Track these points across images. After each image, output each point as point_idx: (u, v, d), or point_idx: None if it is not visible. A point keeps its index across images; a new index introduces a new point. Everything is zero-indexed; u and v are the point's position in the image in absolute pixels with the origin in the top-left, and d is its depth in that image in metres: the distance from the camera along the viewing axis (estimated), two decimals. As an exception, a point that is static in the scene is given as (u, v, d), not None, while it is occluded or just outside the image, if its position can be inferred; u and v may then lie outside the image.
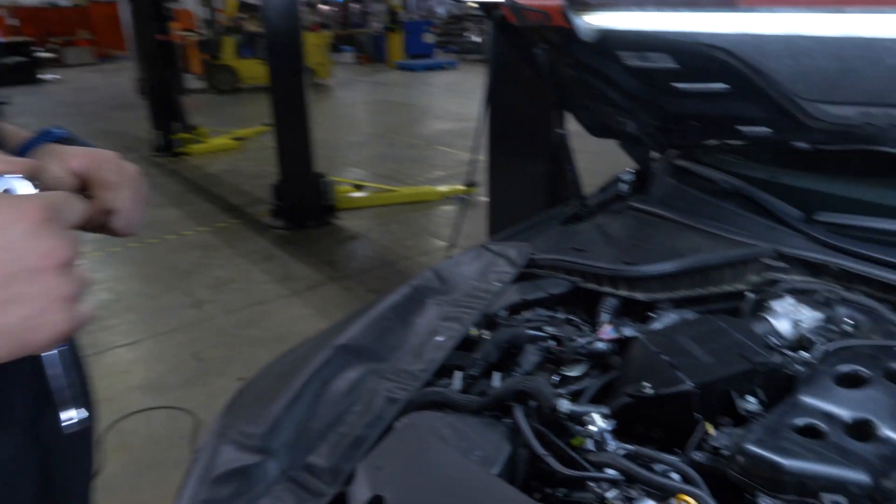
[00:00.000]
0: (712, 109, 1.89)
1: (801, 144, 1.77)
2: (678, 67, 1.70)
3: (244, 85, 14.82)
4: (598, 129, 2.25)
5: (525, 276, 1.76)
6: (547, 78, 2.00)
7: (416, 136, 9.80)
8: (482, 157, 3.95)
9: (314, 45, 13.57)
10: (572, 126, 2.39)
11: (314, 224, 5.77)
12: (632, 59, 1.77)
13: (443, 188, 6.56)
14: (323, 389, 1.40)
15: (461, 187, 6.51)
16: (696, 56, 1.62)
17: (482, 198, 6.53)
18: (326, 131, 6.53)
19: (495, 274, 1.77)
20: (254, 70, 14.64)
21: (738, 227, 1.81)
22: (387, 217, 6.10)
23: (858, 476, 0.95)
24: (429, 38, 20.27)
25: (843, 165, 1.78)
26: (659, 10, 1.49)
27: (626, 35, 1.67)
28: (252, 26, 16.17)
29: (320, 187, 5.77)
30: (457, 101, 13.06)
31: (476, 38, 19.83)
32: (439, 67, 18.59)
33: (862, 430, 1.06)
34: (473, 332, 1.54)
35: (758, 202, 1.85)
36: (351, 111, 12.56)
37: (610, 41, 1.67)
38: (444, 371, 1.45)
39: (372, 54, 20.28)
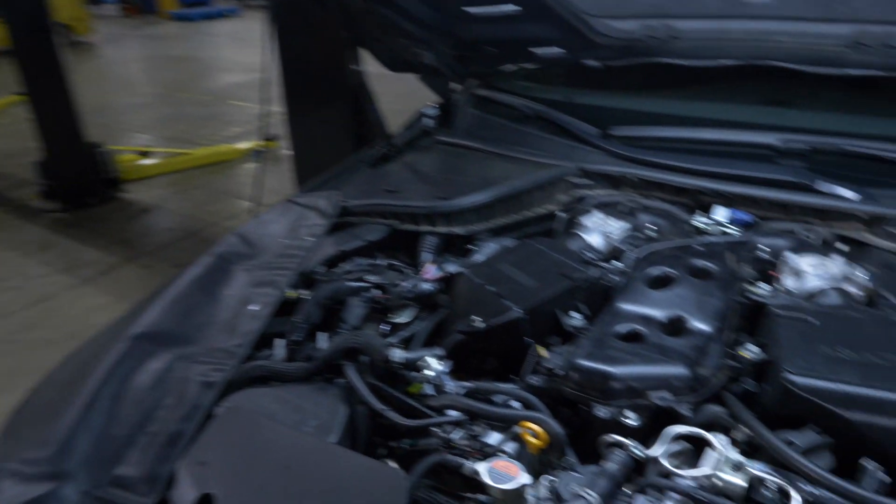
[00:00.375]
0: (505, 33, 1.87)
1: (592, 62, 1.82)
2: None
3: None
4: (395, 63, 2.15)
5: (339, 226, 1.66)
6: (336, 13, 1.86)
7: (205, 92, 9.06)
8: (278, 108, 3.71)
9: (67, -2, 11.90)
10: (371, 69, 2.28)
11: (96, 201, 5.14)
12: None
13: (242, 145, 6.15)
14: (122, 389, 1.21)
15: (261, 142, 6.16)
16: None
17: (285, 151, 6.24)
18: (97, 95, 5.76)
19: (306, 228, 1.64)
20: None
21: (542, 149, 1.84)
22: (184, 183, 5.61)
23: (678, 370, 1.00)
24: (203, -16, 18.67)
25: (631, 80, 1.86)
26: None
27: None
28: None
29: (97, 159, 5.13)
30: (244, 50, 12.21)
31: (255, -17, 18.62)
32: (219, 15, 17.25)
33: (675, 326, 1.12)
34: (291, 293, 1.42)
35: (557, 123, 1.89)
36: (124, 70, 11.29)
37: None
38: (265, 341, 1.32)
39: (140, 4, 18.28)
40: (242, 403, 1.13)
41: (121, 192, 5.35)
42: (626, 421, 0.95)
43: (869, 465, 0.86)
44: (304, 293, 1.42)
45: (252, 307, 1.39)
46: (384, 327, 1.34)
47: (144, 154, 5.88)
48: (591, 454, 0.97)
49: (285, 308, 1.39)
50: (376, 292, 1.39)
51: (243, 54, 11.87)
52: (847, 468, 0.88)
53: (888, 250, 1.34)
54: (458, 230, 1.58)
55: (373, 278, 1.41)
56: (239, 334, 1.32)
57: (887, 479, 0.86)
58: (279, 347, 1.29)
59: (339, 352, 1.18)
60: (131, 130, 7.31)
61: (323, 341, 1.28)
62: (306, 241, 1.59)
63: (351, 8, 1.91)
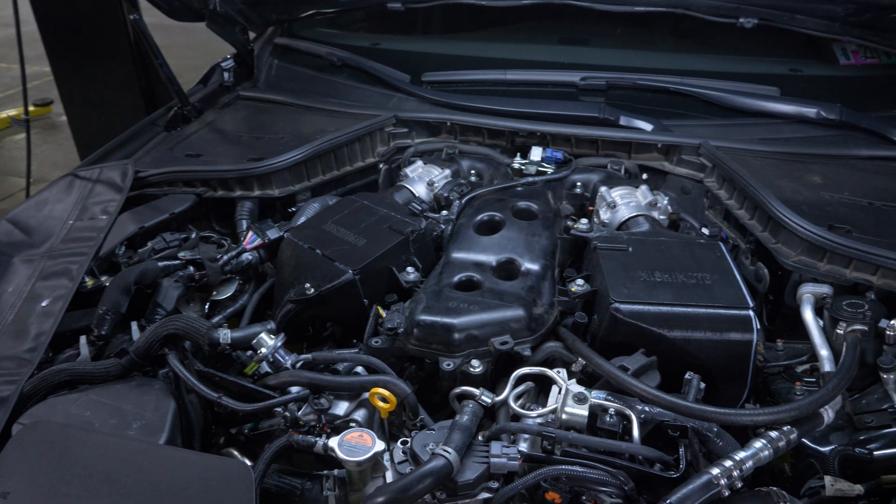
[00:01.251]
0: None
1: (394, 5, 1.76)
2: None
3: None
4: (178, 11, 1.93)
5: (137, 200, 1.48)
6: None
7: (-53, 54, 7.70)
8: (45, 67, 3.22)
9: None
10: (154, 20, 2.02)
11: None
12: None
13: (8, 113, 5.33)
14: None
15: (29, 109, 5.38)
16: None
17: (62, 117, 5.52)
18: None
19: (98, 206, 1.44)
20: None
21: (354, 99, 1.77)
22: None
23: (516, 313, 1.02)
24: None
25: (436, 23, 1.83)
26: None
27: None
28: None
29: None
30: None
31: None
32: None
33: (508, 269, 1.14)
34: (89, 282, 1.25)
35: (367, 71, 1.81)
36: None
37: None
38: (65, 340, 1.15)
39: None
40: (44, 416, 0.98)
41: None
42: (472, 370, 0.95)
43: (692, 377, 0.94)
44: (107, 280, 1.25)
45: (43, 304, 1.20)
46: (204, 307, 1.23)
47: None
48: (442, 407, 0.97)
49: (85, 299, 1.22)
50: (191, 270, 1.26)
51: (-8, 7, 10.22)
52: (674, 382, 0.95)
53: (683, 176, 1.47)
54: (275, 192, 1.47)
55: (185, 254, 1.27)
56: (31, 337, 1.13)
57: (703, 385, 0.94)
58: (83, 346, 1.13)
59: (156, 341, 1.06)
60: None
61: (136, 332, 1.14)
62: (100, 220, 1.40)
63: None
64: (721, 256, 1.11)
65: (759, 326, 0.98)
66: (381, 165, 1.58)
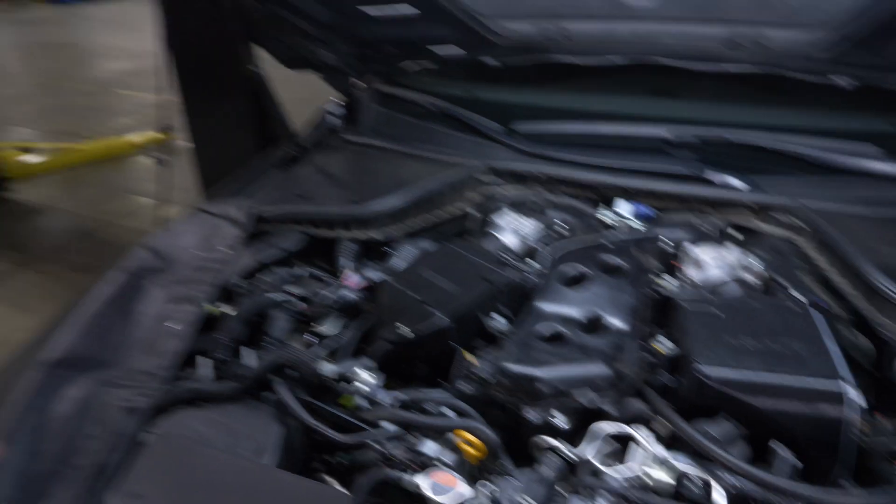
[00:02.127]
0: (404, 33, 1.89)
1: (491, 60, 1.86)
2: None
3: None
4: (292, 60, 2.12)
5: (254, 235, 1.64)
6: (228, 11, 1.81)
7: (89, 81, 8.50)
8: (172, 98, 3.53)
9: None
10: (266, 56, 2.23)
11: (-22, 203, 4.78)
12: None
13: (135, 138, 5.84)
14: (41, 421, 1.16)
15: (156, 134, 5.86)
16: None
17: (182, 143, 5.97)
18: (-34, 87, 5.34)
19: (221, 239, 1.60)
20: None
21: (449, 146, 1.88)
22: (75, 181, 5.28)
23: (600, 369, 1.06)
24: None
25: (530, 77, 1.92)
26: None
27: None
28: None
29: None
30: (128, 36, 11.50)
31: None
32: (98, -2, 16.17)
33: (593, 324, 1.19)
34: (211, 309, 1.40)
35: (462, 120, 1.92)
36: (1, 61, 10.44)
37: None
38: (189, 360, 1.30)
39: (8, -13, 16.84)
40: (173, 429, 1.12)
41: (6, 192, 4.99)
42: (555, 422, 1.01)
43: (779, 449, 0.94)
44: (225, 308, 1.40)
45: (171, 325, 1.35)
46: (311, 339, 1.35)
47: (26, 150, 5.48)
48: (523, 455, 1.02)
49: (207, 324, 1.37)
50: (300, 304, 1.39)
51: (126, 39, 11.20)
52: (760, 454, 0.96)
53: (775, 236, 1.47)
54: (375, 235, 1.59)
55: (295, 289, 1.41)
56: (160, 354, 1.28)
57: (798, 463, 0.93)
58: (204, 367, 1.27)
59: (267, 368, 1.18)
60: (12, 125, 6.79)
61: (249, 358, 1.27)
62: (223, 252, 1.56)
63: (243, 6, 1.87)
64: (815, 324, 1.09)
65: (857, 401, 0.95)
66: (472, 213, 1.67)
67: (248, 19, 1.93)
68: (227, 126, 3.32)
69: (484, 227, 1.62)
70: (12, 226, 4.66)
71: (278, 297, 1.39)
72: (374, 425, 1.07)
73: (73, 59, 10.18)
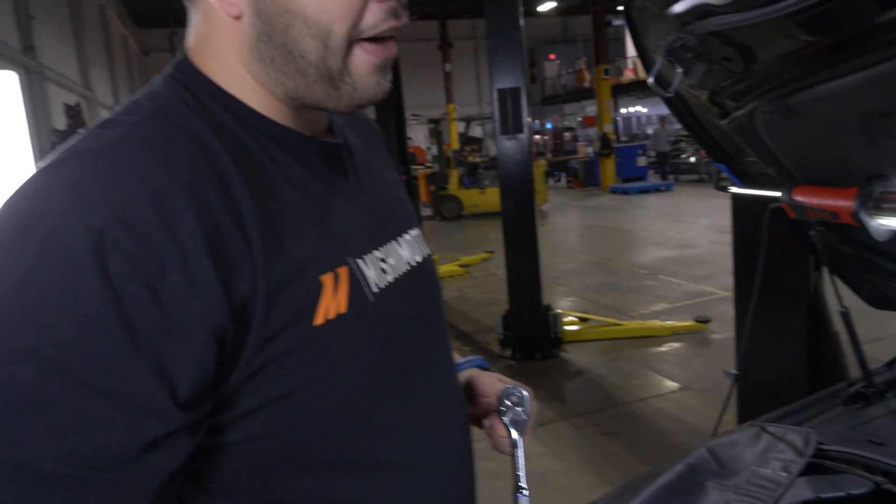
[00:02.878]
0: None
1: None
2: None
3: (465, 213, 15.95)
4: (878, 300, 2.14)
5: (813, 467, 1.69)
6: (822, 256, 1.98)
7: (636, 264, 9.71)
8: (715, 290, 3.83)
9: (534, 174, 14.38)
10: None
11: (541, 356, 5.90)
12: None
13: (670, 323, 6.40)
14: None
15: (690, 322, 6.31)
16: None
17: (715, 335, 6.26)
18: (542, 258, 6.75)
19: (779, 462, 1.72)
20: (476, 199, 15.82)
21: None
22: (611, 352, 6.06)
23: None
24: (642, 161, 20.41)
25: None
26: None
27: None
28: (474, 157, 17.55)
29: (549, 319, 5.95)
30: (675, 225, 12.82)
31: (691, 159, 19.52)
32: (654, 190, 18.48)
33: None
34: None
35: None
36: (565, 237, 12.87)
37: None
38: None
39: (584, 178, 20.83)
40: None
41: (561, 352, 6.05)
42: None
43: None
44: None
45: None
46: None
47: (584, 320, 6.58)
48: None
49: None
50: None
51: (673, 228, 12.45)
52: None
53: None
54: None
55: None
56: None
57: None
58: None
59: None
60: (567, 294, 8.24)
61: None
62: (780, 475, 1.67)
63: (836, 249, 2.01)
64: None
65: None
66: None
67: (840, 263, 2.06)
68: (778, 336, 3.43)
69: None
70: (561, 381, 5.59)
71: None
72: None
73: (626, 242, 11.80)
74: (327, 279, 0.71)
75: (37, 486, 0.53)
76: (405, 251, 0.90)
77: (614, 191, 18.83)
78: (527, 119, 5.77)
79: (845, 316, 2.06)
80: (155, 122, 0.68)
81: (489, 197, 14.77)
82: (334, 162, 0.83)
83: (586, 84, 30.73)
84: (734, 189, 1.92)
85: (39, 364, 0.52)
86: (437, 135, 19.07)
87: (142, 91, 0.74)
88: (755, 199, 3.31)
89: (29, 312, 0.53)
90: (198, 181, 0.63)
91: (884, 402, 1.92)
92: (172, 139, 0.66)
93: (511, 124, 5.71)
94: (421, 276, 0.92)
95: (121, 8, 27.61)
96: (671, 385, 5.20)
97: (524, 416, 0.98)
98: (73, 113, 14.66)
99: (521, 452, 0.96)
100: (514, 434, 0.97)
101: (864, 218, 1.50)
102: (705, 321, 6.23)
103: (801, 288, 3.28)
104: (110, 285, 0.54)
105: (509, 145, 5.77)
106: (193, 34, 0.77)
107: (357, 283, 0.75)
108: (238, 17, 0.71)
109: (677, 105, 1.64)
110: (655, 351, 6.03)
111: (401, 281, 0.84)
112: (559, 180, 23.32)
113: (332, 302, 0.70)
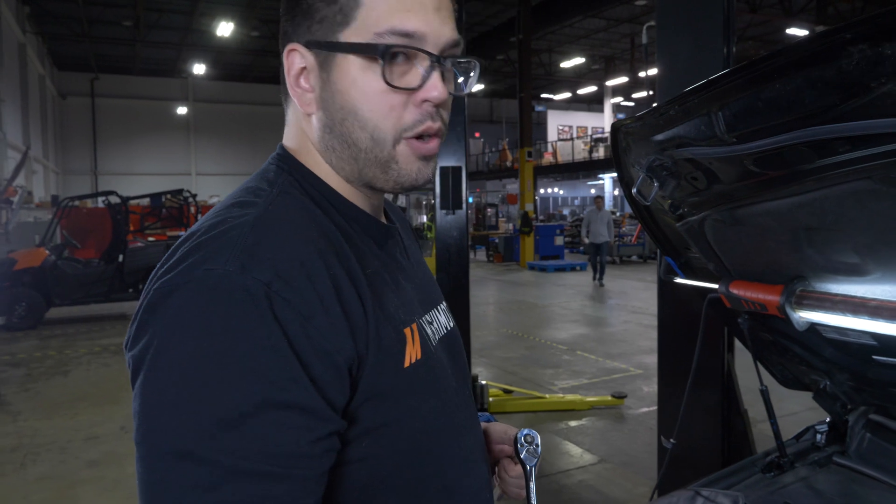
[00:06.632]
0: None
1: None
2: (880, 346, 1.94)
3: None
4: (788, 381, 2.47)
5: (741, 528, 1.93)
6: (747, 341, 2.29)
7: (555, 339, 10.09)
8: (632, 368, 4.12)
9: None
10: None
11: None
12: (832, 333, 2.04)
13: (589, 398, 6.71)
14: None
15: (608, 398, 6.64)
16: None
17: (629, 410, 6.59)
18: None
19: (713, 524, 1.95)
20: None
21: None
22: (534, 424, 6.25)
23: None
24: (559, 240, 21.37)
25: None
26: (874, 319, 1.75)
27: (836, 328, 1.95)
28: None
29: (476, 390, 6.11)
30: (591, 304, 13.42)
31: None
32: (570, 268, 19.32)
33: None
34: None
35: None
36: (486, 310, 13.20)
37: (819, 328, 1.96)
38: None
39: (504, 253, 21.52)
40: None
41: (486, 423, 6.19)
42: None
43: None
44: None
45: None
46: None
47: (508, 392, 6.79)
48: None
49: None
50: None
51: (589, 307, 13.00)
52: None
53: None
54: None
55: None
56: None
57: None
58: None
59: None
60: (492, 366, 8.47)
61: None
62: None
63: (758, 337, 2.33)
64: None
65: None
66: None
67: (760, 347, 2.38)
68: (695, 409, 3.75)
69: None
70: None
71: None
72: None
73: (545, 317, 12.23)
74: (408, 332, 0.90)
75: (243, 483, 0.68)
76: (442, 318, 1.10)
77: (532, 267, 19.55)
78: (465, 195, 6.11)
79: (764, 394, 2.37)
80: (283, 202, 0.86)
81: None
82: (392, 241, 1.02)
83: (508, 163, 31.99)
84: (678, 279, 2.21)
85: (241, 388, 0.69)
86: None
87: (254, 176, 0.92)
88: (683, 288, 3.68)
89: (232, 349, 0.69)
90: (323, 250, 0.81)
91: (794, 471, 2.21)
92: (300, 216, 0.85)
93: (451, 200, 6.02)
94: (454, 339, 1.11)
95: (41, 48, 26.80)
96: (591, 458, 5.44)
97: (538, 453, 1.15)
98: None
99: (534, 486, 1.13)
100: (529, 467, 1.14)
101: (788, 311, 1.80)
102: (622, 396, 6.58)
103: (717, 367, 3.63)
104: (278, 322, 0.70)
105: (449, 220, 6.06)
106: (288, 129, 0.97)
107: (424, 337, 0.94)
108: (312, 114, 0.91)
109: (640, 206, 1.93)
110: (576, 424, 6.29)
111: (442, 340, 1.04)
112: (478, 254, 23.99)
113: (412, 349, 0.89)
